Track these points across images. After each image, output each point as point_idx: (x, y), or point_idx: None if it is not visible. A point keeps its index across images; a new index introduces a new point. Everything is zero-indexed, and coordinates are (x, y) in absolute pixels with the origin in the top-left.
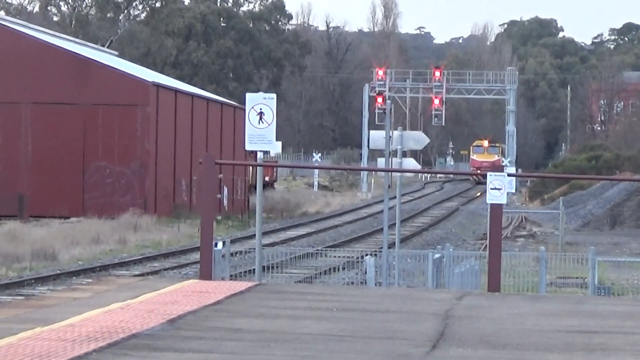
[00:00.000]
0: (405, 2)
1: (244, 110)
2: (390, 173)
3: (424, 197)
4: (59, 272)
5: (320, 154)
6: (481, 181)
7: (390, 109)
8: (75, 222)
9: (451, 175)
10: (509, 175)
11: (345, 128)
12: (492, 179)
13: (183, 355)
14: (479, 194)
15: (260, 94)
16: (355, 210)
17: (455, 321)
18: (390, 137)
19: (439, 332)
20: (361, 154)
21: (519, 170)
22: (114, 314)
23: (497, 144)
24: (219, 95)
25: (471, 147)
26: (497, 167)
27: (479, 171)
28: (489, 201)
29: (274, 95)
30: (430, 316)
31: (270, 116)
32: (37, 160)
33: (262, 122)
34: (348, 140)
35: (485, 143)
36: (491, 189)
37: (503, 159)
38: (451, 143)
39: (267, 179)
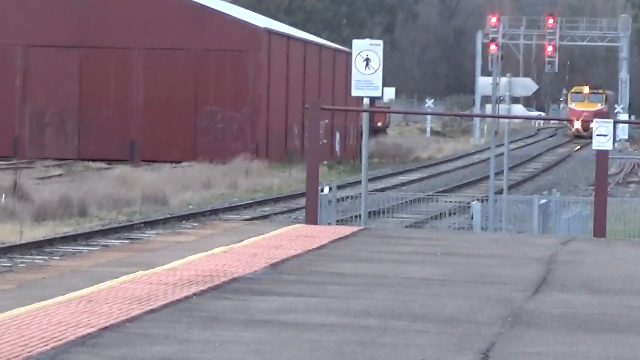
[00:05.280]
0: None
1: (348, 55)
2: (497, 119)
3: (536, 144)
4: (168, 216)
5: (433, 100)
6: (581, 134)
7: (500, 56)
8: (187, 166)
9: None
10: (620, 122)
11: (459, 74)
12: (598, 125)
13: (284, 299)
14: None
15: (367, 40)
16: (468, 156)
17: (559, 266)
18: (497, 83)
19: (542, 276)
20: (474, 100)
21: (632, 117)
22: (217, 257)
23: (599, 90)
24: (332, 42)
25: (569, 94)
26: (600, 117)
27: (578, 123)
28: (594, 147)
29: (380, 42)
30: (534, 261)
31: (377, 62)
32: (149, 105)
33: (369, 68)
34: (461, 86)
35: (586, 89)
36: (597, 135)
37: (606, 107)
38: (565, 90)
39: (379, 124)
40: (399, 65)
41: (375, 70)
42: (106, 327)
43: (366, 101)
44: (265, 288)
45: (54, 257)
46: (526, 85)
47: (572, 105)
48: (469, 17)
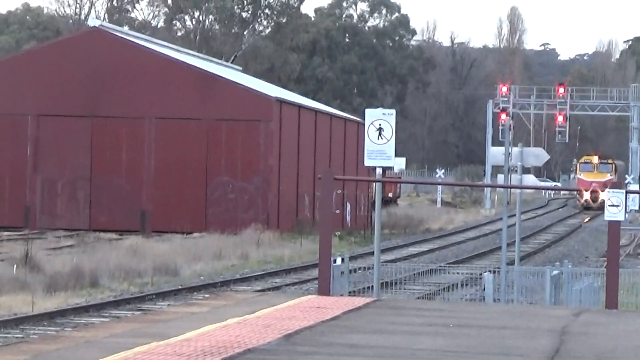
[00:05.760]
0: (531, 19)
1: (361, 124)
2: (509, 190)
3: (547, 214)
4: (180, 287)
5: (443, 170)
6: (590, 206)
7: (511, 125)
8: (198, 237)
9: (575, 193)
10: (631, 192)
11: (469, 144)
12: (610, 195)
13: None
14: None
15: (380, 109)
16: (478, 227)
17: (571, 337)
18: (509, 153)
19: (555, 348)
20: (485, 171)
21: None
22: (231, 328)
23: (609, 161)
24: (343, 111)
25: (577, 164)
26: (613, 187)
27: (587, 194)
28: (606, 218)
29: (393, 111)
30: (547, 332)
31: (390, 132)
32: (160, 175)
33: (382, 138)
34: (472, 156)
35: (595, 159)
36: (609, 205)
37: (615, 177)
38: (575, 160)
39: (390, 194)
40: (410, 135)
41: (388, 140)
42: None
43: (379, 171)
44: (278, 359)
45: (66, 328)
46: (538, 155)
47: (581, 176)
48: (479, 86)
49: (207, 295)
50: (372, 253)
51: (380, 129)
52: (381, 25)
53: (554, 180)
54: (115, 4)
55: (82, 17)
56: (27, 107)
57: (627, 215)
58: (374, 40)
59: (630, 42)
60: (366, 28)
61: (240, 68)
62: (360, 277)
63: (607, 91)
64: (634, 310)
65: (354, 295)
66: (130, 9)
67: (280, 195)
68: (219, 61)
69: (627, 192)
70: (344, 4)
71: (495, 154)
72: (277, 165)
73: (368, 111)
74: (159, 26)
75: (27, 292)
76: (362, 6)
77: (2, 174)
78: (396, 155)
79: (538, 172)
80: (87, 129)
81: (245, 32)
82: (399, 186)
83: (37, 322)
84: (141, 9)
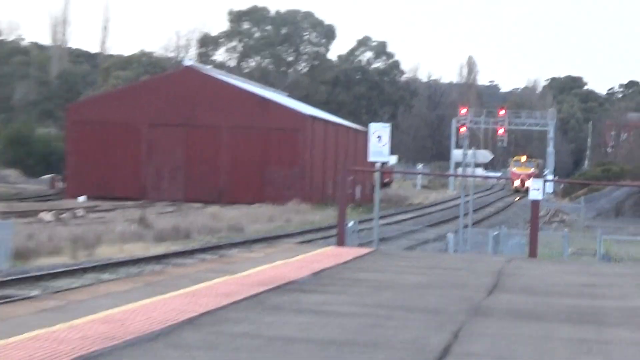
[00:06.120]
0: (482, 62)
1: (366, 133)
2: (466, 178)
3: (490, 195)
4: (244, 240)
5: (422, 165)
6: (519, 190)
7: (467, 136)
8: (257, 207)
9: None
10: (547, 181)
11: (440, 148)
12: (531, 182)
13: (322, 295)
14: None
15: (380, 124)
16: (445, 202)
17: (505, 276)
18: (466, 154)
19: (493, 283)
20: (450, 165)
21: (555, 178)
22: (278, 268)
23: (533, 160)
24: (354, 124)
25: (512, 161)
26: (534, 177)
27: (517, 181)
28: (530, 197)
29: (388, 125)
30: (489, 273)
31: (386, 138)
32: (231, 165)
33: (380, 142)
34: (441, 155)
35: (523, 158)
36: (532, 189)
37: (537, 171)
38: (510, 158)
39: (386, 180)
40: (399, 141)
41: (385, 144)
42: (204, 313)
43: (378, 165)
44: (309, 288)
45: (168, 266)
46: (485, 155)
47: (514, 169)
48: (447, 109)
49: (262, 245)
50: (373, 219)
51: (379, 137)
52: (381, 66)
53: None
54: (203, 51)
55: (180, 59)
56: (142, 119)
57: (544, 196)
58: (376, 77)
59: (549, 80)
60: (371, 68)
61: (287, 94)
62: (365, 235)
63: (532, 114)
64: (546, 258)
65: (361, 247)
66: (212, 54)
67: (312, 179)
68: (272, 89)
69: (544, 181)
70: (357, 53)
71: (456, 154)
72: (310, 160)
73: (372, 125)
74: (231, 65)
75: (143, 241)
76: (369, 54)
77: (126, 163)
78: (390, 154)
79: (485, 166)
80: (183, 134)
81: (289, 70)
82: (392, 175)
83: (149, 262)
84: (220, 54)
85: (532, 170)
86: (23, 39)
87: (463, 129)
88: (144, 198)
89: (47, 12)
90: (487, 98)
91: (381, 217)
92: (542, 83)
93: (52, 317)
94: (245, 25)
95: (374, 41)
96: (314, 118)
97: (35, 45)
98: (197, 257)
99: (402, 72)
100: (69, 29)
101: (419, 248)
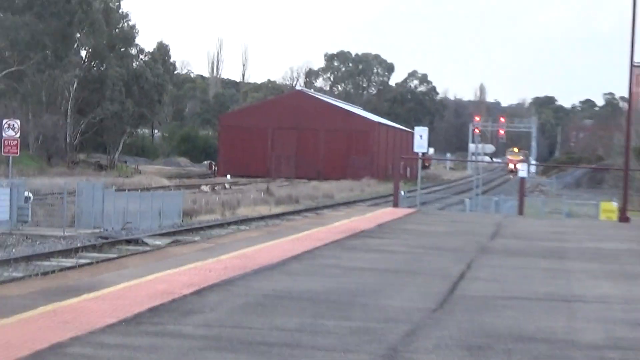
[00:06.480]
0: (489, 86)
1: (413, 133)
2: (477, 163)
3: (494, 174)
4: (334, 203)
5: (450, 154)
6: (512, 171)
7: (480, 135)
8: (342, 182)
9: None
10: (530, 164)
11: (461, 143)
12: (520, 165)
13: (383, 240)
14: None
15: (422, 127)
16: (464, 179)
17: (502, 227)
18: (478, 147)
19: (494, 232)
20: (468, 154)
21: (536, 163)
22: (354, 222)
23: (521, 151)
24: (405, 127)
25: (507, 152)
26: (522, 162)
27: (512, 165)
28: (519, 175)
29: (426, 128)
30: (492, 224)
31: (425, 136)
32: (326, 154)
33: (421, 139)
34: (462, 148)
35: (516, 150)
36: (520, 170)
37: (525, 158)
38: (507, 150)
39: (426, 164)
40: (435, 138)
41: (424, 140)
42: (305, 251)
43: (420, 154)
44: (375, 235)
45: (283, 221)
46: (490, 148)
47: (509, 157)
48: (466, 117)
49: (345, 207)
50: (417, 189)
51: (421, 135)
52: (424, 90)
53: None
54: (307, 80)
55: (293, 84)
56: (268, 125)
57: (528, 175)
58: (420, 97)
59: (533, 99)
60: (417, 91)
61: (362, 108)
62: (411, 200)
63: (522, 120)
64: (530, 216)
65: (409, 208)
66: (314, 82)
67: (378, 164)
68: (353, 105)
69: (529, 165)
70: (408, 81)
71: (472, 147)
72: (377, 151)
73: (416, 128)
74: (326, 89)
75: (267, 205)
76: (415, 82)
77: (257, 153)
78: (428, 146)
79: (491, 156)
80: (295, 134)
81: (364, 93)
82: (430, 161)
83: (270, 218)
84: (319, 82)
85: (521, 157)
86: (192, 72)
87: (477, 131)
88: (269, 176)
89: (206, 53)
90: (492, 110)
91: (422, 188)
92: (529, 100)
93: (206, 254)
94: (335, 63)
95: (419, 74)
96: (380, 124)
97: (200, 76)
98: (302, 215)
99: (437, 93)
100: (221, 65)
101: (447, 209)
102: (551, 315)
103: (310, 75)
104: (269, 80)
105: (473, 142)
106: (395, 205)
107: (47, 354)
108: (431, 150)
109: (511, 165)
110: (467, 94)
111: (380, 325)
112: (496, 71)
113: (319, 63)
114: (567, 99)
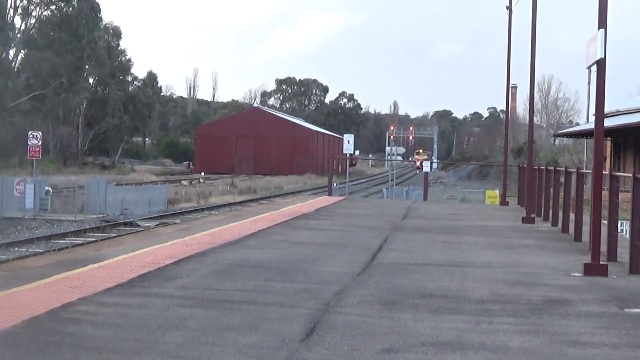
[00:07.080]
0: (401, 102)
1: (342, 139)
2: (392, 161)
3: (405, 170)
4: (283, 193)
5: (371, 155)
6: (419, 167)
7: (394, 140)
8: (290, 176)
9: (413, 162)
10: (432, 162)
11: (380, 146)
12: (424, 163)
13: (319, 220)
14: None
15: (350, 134)
16: (383, 174)
17: (411, 210)
18: (392, 148)
19: (405, 214)
20: (384, 154)
21: (437, 161)
22: (298, 207)
23: (426, 152)
24: (336, 134)
25: (415, 153)
26: (426, 161)
27: (418, 163)
28: (423, 171)
29: (353, 135)
30: (403, 208)
31: (352, 141)
32: (277, 156)
33: (349, 143)
34: (381, 150)
35: (421, 150)
36: (424, 166)
37: (428, 158)
38: (414, 151)
39: (354, 162)
40: (359, 143)
41: (351, 144)
42: (260, 230)
43: (348, 154)
44: (313, 217)
45: (243, 207)
46: (401, 150)
47: (416, 157)
48: (384, 127)
49: (291, 196)
50: (345, 182)
51: (349, 140)
52: (351, 106)
53: (408, 160)
54: (263, 99)
55: (252, 103)
56: (233, 133)
57: (431, 170)
58: (349, 112)
59: (435, 111)
60: (346, 107)
61: (304, 120)
62: (342, 190)
63: (426, 129)
64: (432, 201)
65: (339, 196)
66: (268, 100)
67: (317, 162)
68: (297, 118)
69: (431, 162)
70: (339, 99)
71: (388, 149)
72: (315, 152)
73: (345, 135)
74: (277, 106)
75: (232, 194)
76: (344, 100)
77: (225, 156)
78: (354, 149)
79: (402, 156)
80: (253, 141)
81: (306, 109)
82: (356, 160)
83: (234, 205)
84: (272, 101)
85: (425, 157)
86: (174, 94)
87: (391, 137)
88: (234, 172)
89: (185, 78)
90: (403, 121)
91: (350, 181)
92: (431, 113)
93: (184, 233)
94: (284, 86)
95: (348, 93)
96: (318, 132)
97: (180, 97)
98: (258, 202)
99: (361, 108)
100: (197, 88)
101: (369, 197)
102: (448, 277)
103: (265, 95)
104: (233, 99)
105: (389, 145)
106: (330, 194)
107: (60, 311)
108: (357, 152)
109: (418, 163)
110: (384, 109)
111: (317, 286)
112: (406, 90)
113: (271, 86)
114: (460, 112)
